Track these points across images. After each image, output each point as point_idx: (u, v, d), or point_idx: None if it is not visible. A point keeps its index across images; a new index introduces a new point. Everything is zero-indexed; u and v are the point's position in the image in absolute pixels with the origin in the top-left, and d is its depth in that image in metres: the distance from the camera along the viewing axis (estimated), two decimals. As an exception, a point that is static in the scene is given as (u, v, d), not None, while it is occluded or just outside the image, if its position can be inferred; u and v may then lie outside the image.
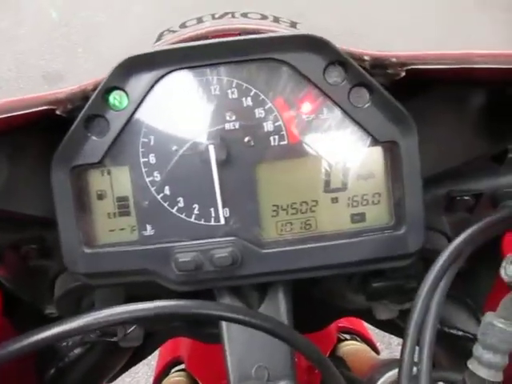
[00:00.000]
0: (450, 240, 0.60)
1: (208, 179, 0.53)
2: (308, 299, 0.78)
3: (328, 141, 0.53)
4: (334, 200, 0.54)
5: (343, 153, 0.54)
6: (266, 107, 0.52)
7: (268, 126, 0.53)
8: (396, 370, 0.53)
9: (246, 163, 0.53)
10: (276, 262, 0.54)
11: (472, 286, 0.69)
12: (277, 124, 0.53)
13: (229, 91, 0.52)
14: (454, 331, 0.70)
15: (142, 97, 0.51)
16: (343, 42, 0.52)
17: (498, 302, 0.46)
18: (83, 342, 0.77)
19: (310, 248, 0.54)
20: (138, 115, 0.52)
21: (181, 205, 0.53)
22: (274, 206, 0.54)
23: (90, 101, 0.51)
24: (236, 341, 0.57)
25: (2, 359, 0.40)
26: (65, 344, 0.77)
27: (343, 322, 1.30)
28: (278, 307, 0.59)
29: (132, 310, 0.42)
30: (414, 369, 0.47)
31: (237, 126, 0.52)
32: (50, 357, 0.76)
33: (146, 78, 0.51)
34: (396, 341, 2.05)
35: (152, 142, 0.53)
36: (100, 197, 0.54)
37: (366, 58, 0.52)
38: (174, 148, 0.53)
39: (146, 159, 0.53)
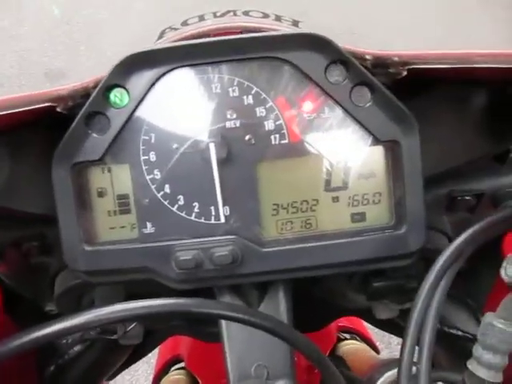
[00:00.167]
0: (450, 240, 0.60)
1: (208, 177, 0.53)
2: (308, 298, 0.78)
3: (329, 140, 0.53)
4: (335, 199, 0.54)
5: (344, 152, 0.53)
6: (267, 106, 0.52)
7: (269, 125, 0.52)
8: (396, 370, 0.53)
9: (247, 162, 0.53)
10: (276, 260, 0.54)
11: (473, 286, 0.69)
12: (278, 123, 0.52)
13: (230, 89, 0.52)
14: (453, 331, 0.70)
15: (143, 94, 0.51)
16: (345, 42, 0.52)
17: (499, 302, 0.46)
18: (83, 339, 0.77)
19: (311, 247, 0.54)
20: (138, 113, 0.52)
21: (181, 203, 0.53)
22: (274, 204, 0.54)
23: (91, 98, 0.51)
24: (235, 339, 0.57)
25: (2, 356, 0.40)
26: (65, 341, 0.77)
27: (343, 322, 1.30)
28: (278, 306, 0.59)
29: (132, 308, 0.42)
30: (414, 368, 0.47)
31: (238, 125, 0.52)
32: (50, 354, 0.76)
33: (146, 76, 0.51)
34: (396, 340, 2.05)
35: (153, 140, 0.53)
36: (100, 194, 0.54)
37: (367, 57, 0.52)
38: (175, 146, 0.53)
39: (147, 157, 0.53)
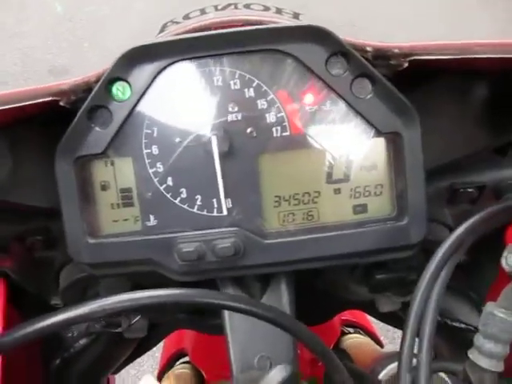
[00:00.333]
0: None
1: (210, 170, 0.53)
2: (311, 291, 0.78)
3: (331, 132, 0.53)
4: (337, 191, 0.54)
5: (346, 144, 0.54)
6: (269, 98, 0.52)
7: (270, 117, 0.53)
8: None
9: (249, 154, 0.53)
10: (278, 252, 0.54)
11: (475, 279, 0.69)
12: (279, 115, 0.53)
13: (231, 82, 0.52)
14: (456, 324, 0.71)
15: (145, 88, 0.52)
16: (346, 34, 0.52)
17: (500, 292, 0.46)
18: (88, 332, 0.78)
19: (312, 238, 0.54)
20: (140, 106, 0.52)
21: (183, 196, 0.54)
22: (276, 196, 0.54)
23: (94, 91, 0.51)
24: (239, 331, 0.57)
25: (8, 345, 0.41)
26: (70, 335, 0.78)
27: (347, 316, 1.30)
28: (281, 298, 0.59)
29: (137, 298, 0.43)
30: (414, 360, 0.47)
31: (239, 118, 0.53)
32: (56, 347, 0.77)
33: (148, 69, 0.51)
34: (400, 334, 2.05)
35: (155, 134, 0.53)
36: (104, 188, 0.54)
37: (368, 49, 0.52)
38: (177, 139, 0.53)
39: (149, 150, 0.53)
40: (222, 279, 0.59)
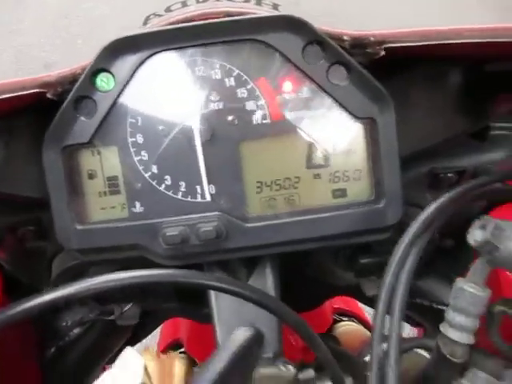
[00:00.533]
0: None
1: (193, 158, 0.55)
2: (300, 278, 0.80)
3: (310, 119, 0.55)
4: (317, 176, 0.56)
5: (324, 130, 0.55)
6: (249, 87, 0.54)
7: (250, 105, 0.54)
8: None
9: (230, 142, 0.55)
10: (260, 235, 0.55)
11: (458, 262, 0.71)
12: (259, 103, 0.54)
13: (212, 72, 0.54)
14: (442, 307, 0.72)
15: (128, 78, 0.53)
16: (329, 24, 0.53)
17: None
18: (82, 321, 0.79)
19: (293, 221, 0.55)
20: (124, 96, 0.54)
21: (168, 183, 0.55)
22: (258, 182, 0.56)
23: (79, 82, 0.52)
24: (224, 312, 0.59)
25: None
26: (64, 324, 0.79)
27: (339, 304, 1.32)
28: (266, 281, 0.61)
29: (121, 278, 0.44)
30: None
31: (221, 106, 0.54)
32: (51, 336, 0.79)
33: (130, 60, 0.53)
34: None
35: (139, 123, 0.54)
36: (91, 176, 0.56)
37: (345, 37, 0.53)
38: (161, 128, 0.54)
39: (134, 139, 0.55)
40: (208, 264, 0.61)
